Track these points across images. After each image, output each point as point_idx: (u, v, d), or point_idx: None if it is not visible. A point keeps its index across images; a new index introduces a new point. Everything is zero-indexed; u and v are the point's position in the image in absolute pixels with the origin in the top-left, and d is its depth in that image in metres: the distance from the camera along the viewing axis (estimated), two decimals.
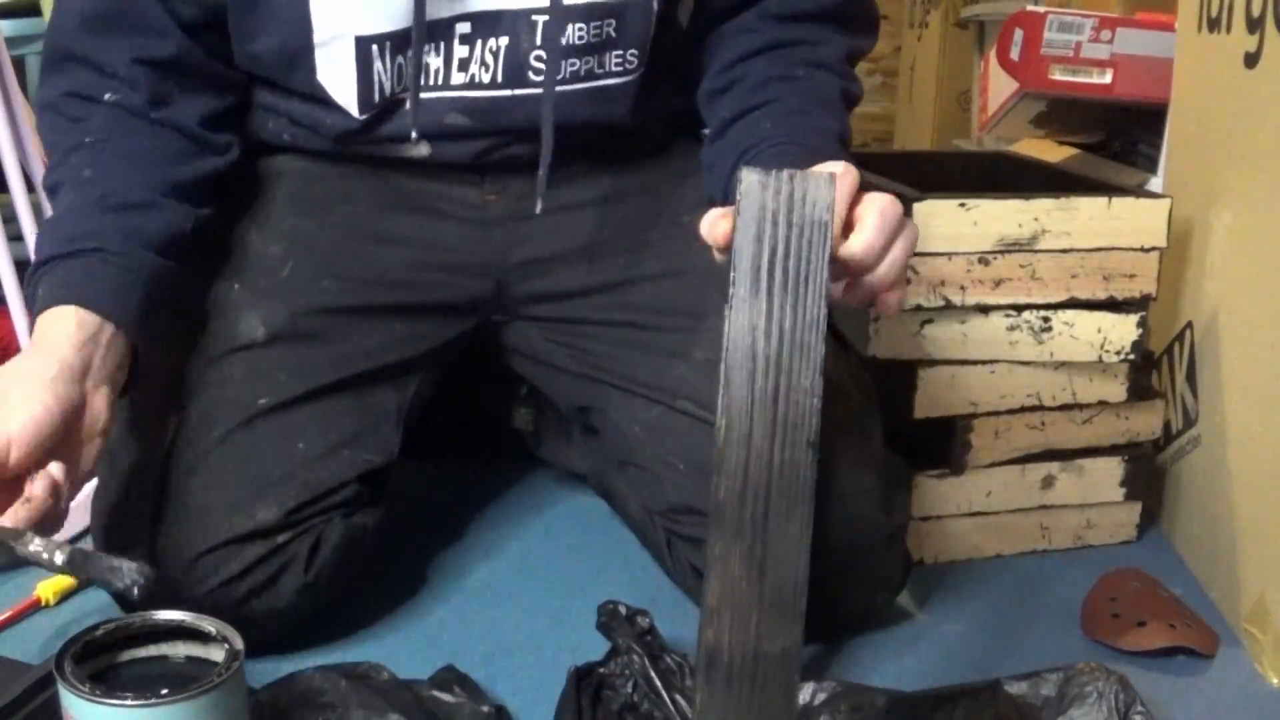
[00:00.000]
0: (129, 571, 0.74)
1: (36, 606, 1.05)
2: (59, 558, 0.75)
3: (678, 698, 0.86)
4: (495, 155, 1.01)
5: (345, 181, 1.04)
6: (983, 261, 1.10)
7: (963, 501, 1.16)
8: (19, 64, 1.64)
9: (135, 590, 0.74)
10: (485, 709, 0.86)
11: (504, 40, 0.95)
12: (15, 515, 0.76)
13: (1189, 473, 1.19)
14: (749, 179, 0.73)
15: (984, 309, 1.12)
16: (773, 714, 0.73)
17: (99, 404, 0.83)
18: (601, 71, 0.98)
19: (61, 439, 0.80)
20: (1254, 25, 1.05)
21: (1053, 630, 1.05)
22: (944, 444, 1.15)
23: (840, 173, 0.77)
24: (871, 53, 1.10)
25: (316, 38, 0.94)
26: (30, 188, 1.29)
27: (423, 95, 0.96)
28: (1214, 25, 1.15)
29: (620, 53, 0.98)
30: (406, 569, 1.12)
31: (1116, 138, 1.78)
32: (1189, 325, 1.19)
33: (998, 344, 1.13)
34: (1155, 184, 1.45)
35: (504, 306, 1.08)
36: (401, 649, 1.00)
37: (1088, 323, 1.13)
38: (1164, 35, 1.55)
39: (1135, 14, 1.70)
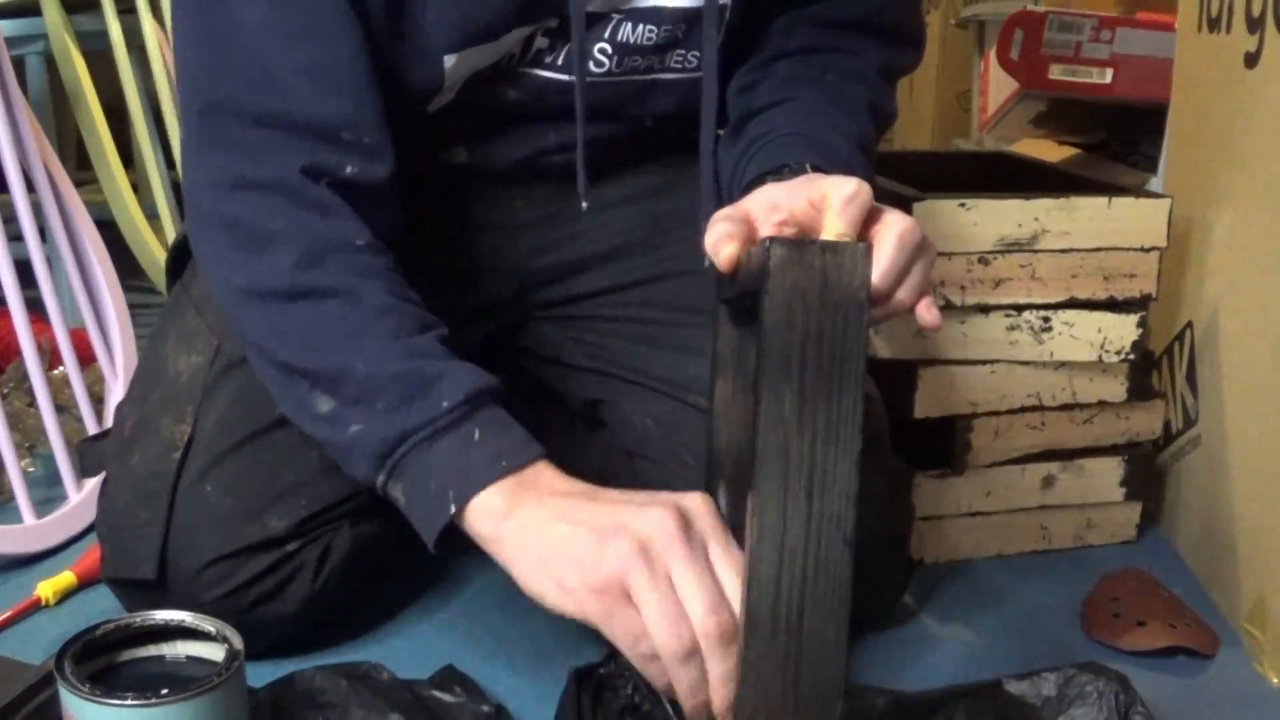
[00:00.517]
0: None
1: (36, 606, 1.05)
2: None
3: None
4: (535, 164, 0.99)
5: None
6: (983, 261, 1.10)
7: (963, 501, 1.16)
8: (19, 64, 1.64)
9: None
10: (485, 709, 0.86)
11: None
12: None
13: (1189, 473, 1.19)
14: (778, 253, 0.66)
15: (984, 309, 1.12)
16: None
17: None
18: (661, 67, 0.97)
19: None
20: (1254, 25, 1.05)
21: (1053, 630, 1.05)
22: (944, 444, 1.15)
23: (852, 192, 0.73)
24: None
25: (445, 85, 0.91)
26: (30, 188, 1.29)
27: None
28: (1214, 25, 1.15)
29: (682, 52, 0.96)
30: (407, 569, 1.12)
31: (1116, 138, 1.78)
32: (1189, 325, 1.19)
33: (998, 344, 1.13)
34: (1155, 184, 1.45)
35: (522, 309, 1.08)
36: (401, 649, 1.00)
37: (1088, 323, 1.13)
38: (1164, 35, 1.55)
39: (1135, 14, 1.70)
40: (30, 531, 1.16)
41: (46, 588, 1.06)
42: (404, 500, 0.79)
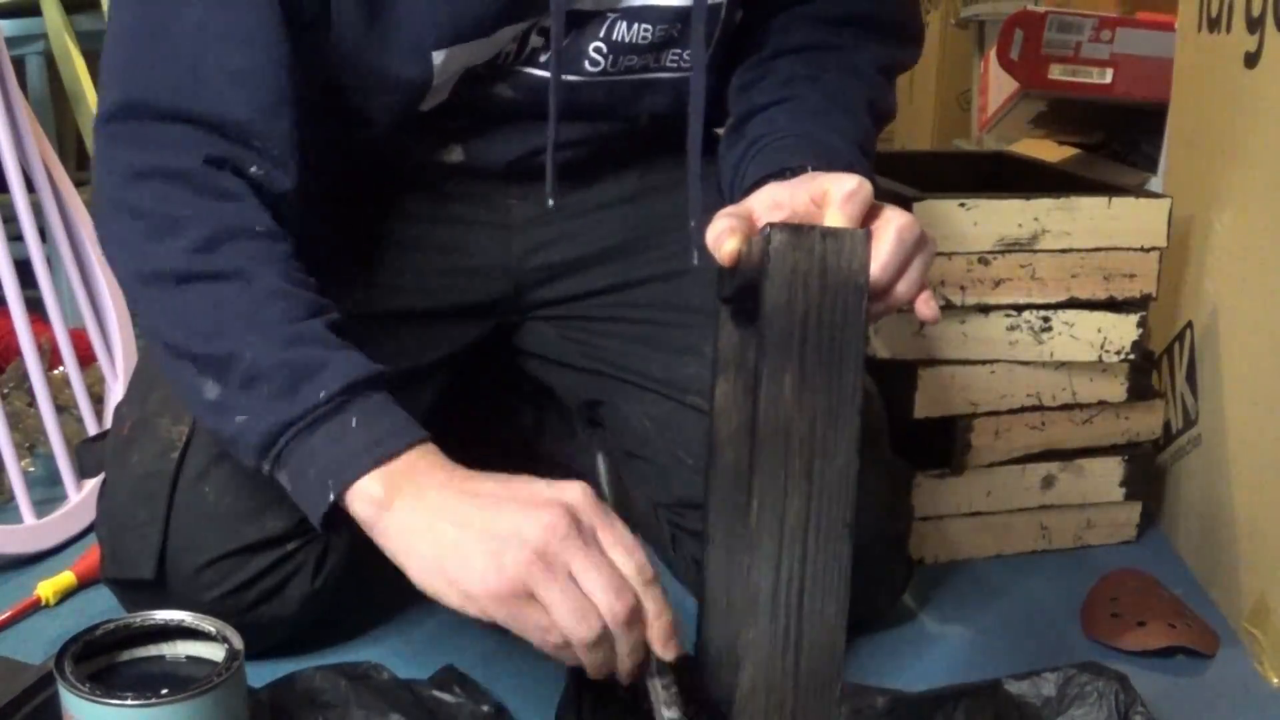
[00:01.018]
0: None
1: (36, 606, 1.05)
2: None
3: None
4: (530, 163, 0.99)
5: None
6: (983, 261, 1.10)
7: (963, 501, 1.16)
8: (19, 64, 1.64)
9: None
10: (485, 709, 0.86)
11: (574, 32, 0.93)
12: None
13: (1189, 473, 1.19)
14: (778, 238, 0.67)
15: (984, 309, 1.12)
16: None
17: None
18: (656, 66, 0.97)
19: None
20: (1254, 25, 1.05)
21: (1053, 630, 1.05)
22: (944, 444, 1.15)
23: (853, 189, 0.75)
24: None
25: (436, 82, 0.91)
26: (30, 188, 1.29)
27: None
28: (1214, 25, 1.15)
29: (678, 51, 0.96)
30: None
31: (1116, 138, 1.78)
32: (1189, 325, 1.19)
33: (998, 344, 1.13)
34: (1155, 184, 1.45)
35: (519, 309, 1.08)
36: (401, 649, 1.00)
37: (1088, 323, 1.13)
38: (1164, 35, 1.55)
39: (1135, 14, 1.71)
40: (30, 531, 1.16)
41: (46, 588, 1.06)
42: (290, 488, 0.80)
